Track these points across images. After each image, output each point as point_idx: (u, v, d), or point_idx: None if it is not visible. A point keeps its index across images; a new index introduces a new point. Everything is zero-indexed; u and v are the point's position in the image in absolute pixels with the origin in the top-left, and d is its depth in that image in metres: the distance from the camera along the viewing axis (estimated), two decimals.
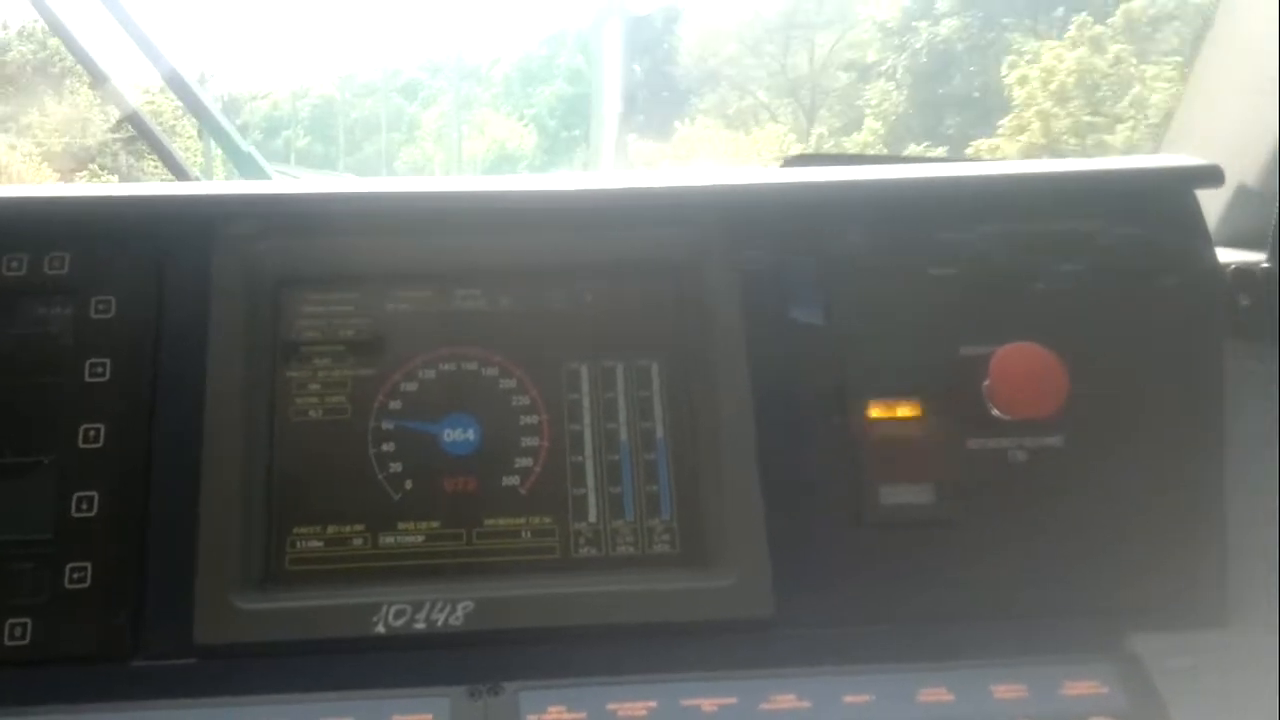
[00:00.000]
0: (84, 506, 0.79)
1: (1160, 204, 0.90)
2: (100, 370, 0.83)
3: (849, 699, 0.77)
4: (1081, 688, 0.78)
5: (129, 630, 0.78)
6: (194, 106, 1.41)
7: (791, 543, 0.82)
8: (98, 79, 1.46)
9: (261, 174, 1.43)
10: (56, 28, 1.43)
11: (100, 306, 0.84)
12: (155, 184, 0.93)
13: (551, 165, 22.61)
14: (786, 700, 0.77)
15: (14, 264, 0.84)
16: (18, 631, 0.77)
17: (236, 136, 1.39)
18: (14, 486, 0.81)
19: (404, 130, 27.39)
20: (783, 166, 1.09)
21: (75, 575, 0.78)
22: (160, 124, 1.50)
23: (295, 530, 0.82)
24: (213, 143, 1.54)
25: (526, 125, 24.54)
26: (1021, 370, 0.81)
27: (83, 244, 0.85)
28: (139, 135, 1.42)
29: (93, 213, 0.88)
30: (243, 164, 1.41)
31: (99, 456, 0.81)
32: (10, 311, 0.85)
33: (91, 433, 0.81)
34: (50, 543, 0.79)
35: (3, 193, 0.88)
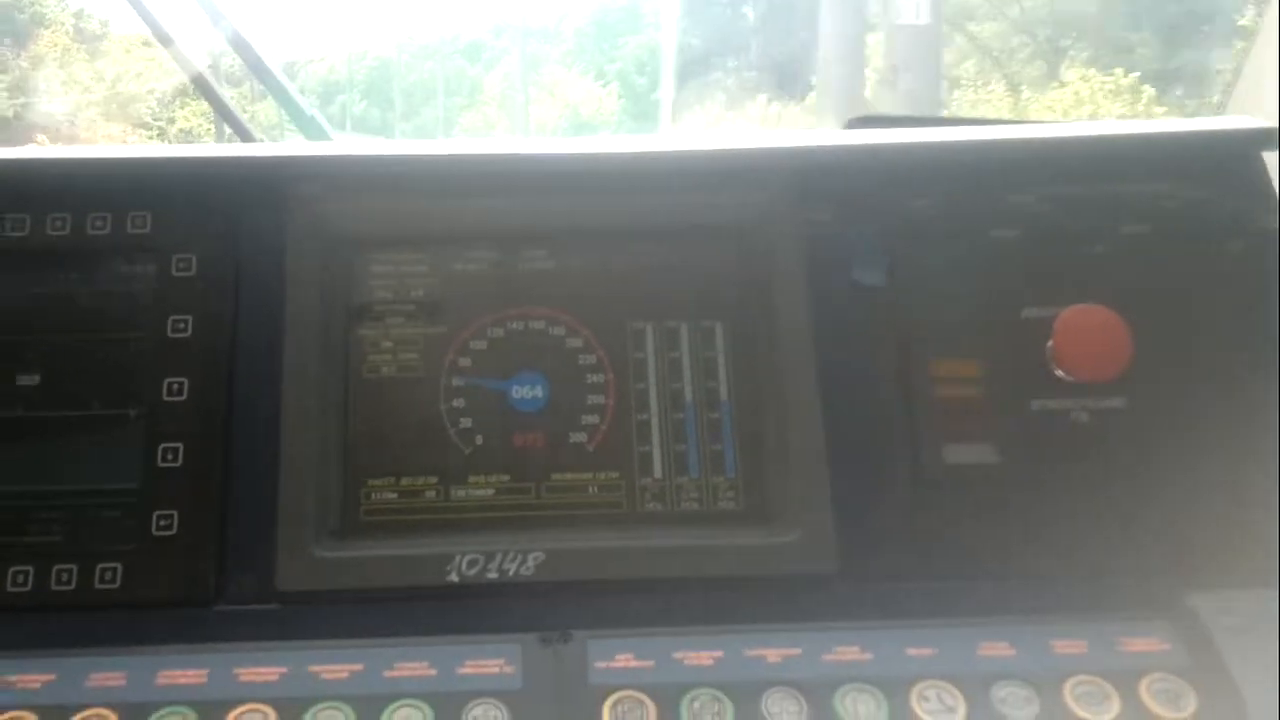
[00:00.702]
0: (169, 457, 0.82)
1: (1226, 166, 0.90)
2: (182, 326, 0.85)
3: (912, 651, 0.78)
4: (1141, 644, 0.79)
5: (213, 576, 0.81)
6: (257, 68, 1.42)
7: (855, 500, 0.83)
8: (163, 40, 1.48)
9: (324, 137, 1.45)
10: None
11: (181, 264, 0.87)
12: (228, 145, 0.96)
13: (638, 132, 18.96)
14: (850, 652, 0.78)
15: (98, 223, 0.87)
16: (108, 575, 0.80)
17: (300, 99, 1.41)
18: (103, 438, 0.84)
19: (465, 94, 25.27)
20: (846, 128, 1.10)
21: (162, 523, 0.81)
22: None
23: (370, 482, 0.85)
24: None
25: (607, 85, 21.15)
26: (1087, 332, 0.82)
27: (163, 203, 0.88)
28: (204, 98, 1.44)
29: (170, 173, 0.90)
30: (306, 127, 1.42)
31: (183, 409, 0.84)
32: (95, 269, 0.88)
33: (175, 386, 0.84)
34: (138, 492, 0.82)
35: (85, 153, 0.91)
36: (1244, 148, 0.90)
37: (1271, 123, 0.90)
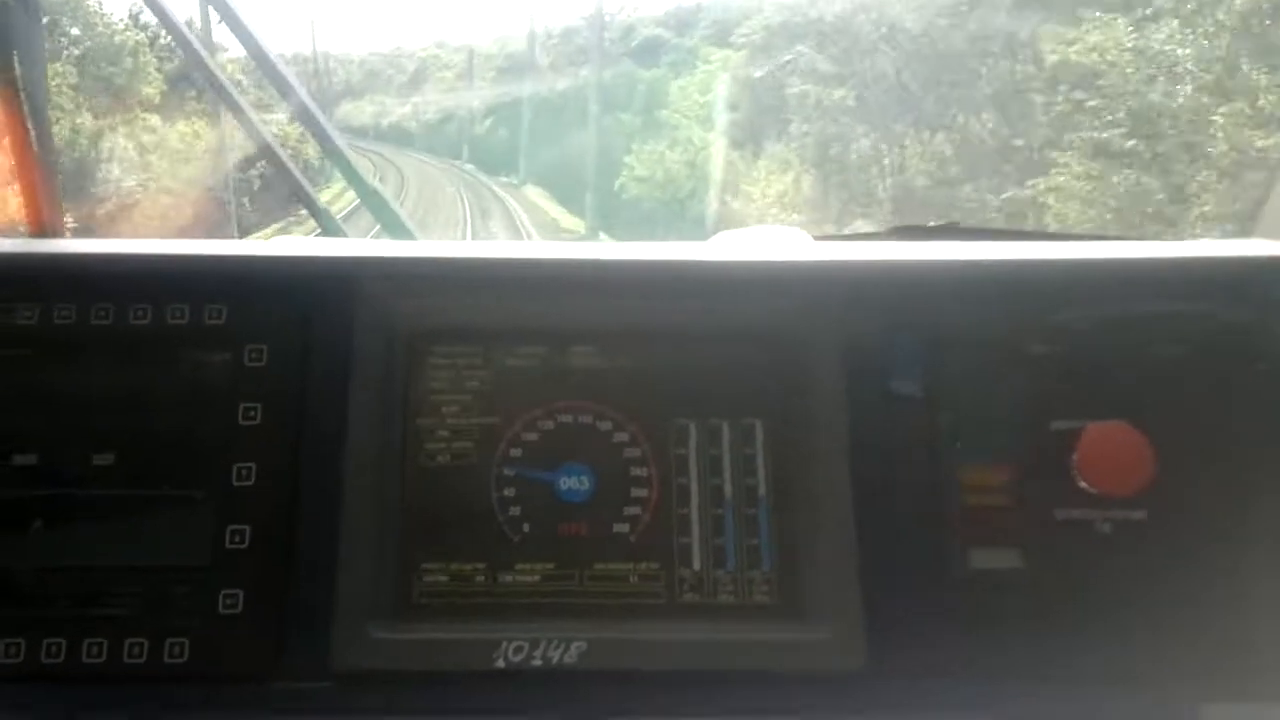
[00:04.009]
0: (236, 539, 0.88)
1: (1257, 288, 0.93)
2: (252, 414, 0.91)
3: None
4: None
5: (274, 654, 0.86)
6: (325, 142, 1.49)
7: (884, 599, 0.87)
8: (235, 112, 1.55)
9: (388, 209, 1.50)
10: (199, 66, 1.51)
11: (253, 355, 0.92)
12: (303, 240, 1.01)
13: None
14: None
15: (176, 314, 0.93)
16: (176, 650, 0.85)
17: (363, 173, 1.47)
18: (175, 517, 0.89)
19: (638, 109, 16.89)
20: (886, 238, 1.13)
21: (228, 601, 0.86)
22: None
23: (423, 565, 0.89)
24: None
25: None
26: (1110, 448, 0.86)
27: (239, 296, 0.93)
28: (276, 173, 1.50)
29: (248, 268, 0.96)
30: (369, 200, 1.48)
31: (251, 493, 0.89)
32: (172, 357, 0.93)
33: (244, 471, 0.89)
34: (207, 570, 0.87)
35: (167, 249, 0.97)
36: (1273, 272, 0.93)
37: None
